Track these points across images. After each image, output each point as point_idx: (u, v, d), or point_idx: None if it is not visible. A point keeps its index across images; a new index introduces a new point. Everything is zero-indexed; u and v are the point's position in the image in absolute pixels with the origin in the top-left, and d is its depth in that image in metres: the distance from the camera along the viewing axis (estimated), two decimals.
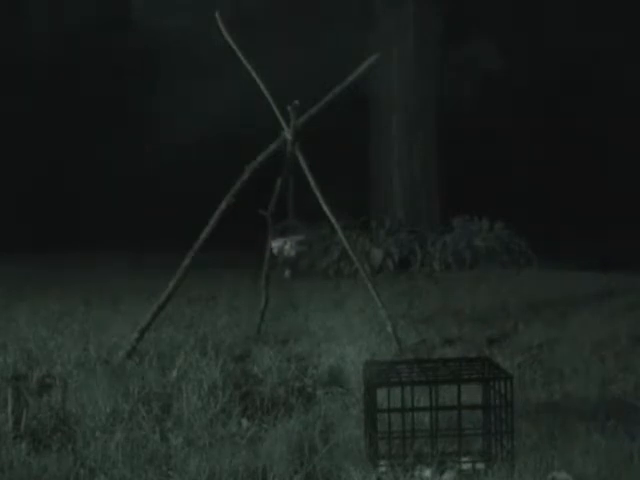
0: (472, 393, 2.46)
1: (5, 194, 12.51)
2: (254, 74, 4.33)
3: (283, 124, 4.30)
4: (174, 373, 3.30)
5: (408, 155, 10.08)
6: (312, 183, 4.29)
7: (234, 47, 4.34)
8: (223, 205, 4.14)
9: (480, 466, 2.32)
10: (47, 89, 12.64)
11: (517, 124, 12.71)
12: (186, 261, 4.05)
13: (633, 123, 10.73)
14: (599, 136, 11.31)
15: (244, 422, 2.73)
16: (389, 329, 4.07)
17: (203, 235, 4.11)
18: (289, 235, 4.79)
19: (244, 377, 3.30)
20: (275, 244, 4.53)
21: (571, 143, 11.63)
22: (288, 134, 4.28)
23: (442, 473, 2.27)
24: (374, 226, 9.22)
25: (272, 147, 4.30)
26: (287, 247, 4.90)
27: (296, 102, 4.27)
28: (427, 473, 2.27)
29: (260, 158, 4.24)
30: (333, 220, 4.29)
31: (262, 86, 4.35)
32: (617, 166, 11.04)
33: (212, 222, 4.12)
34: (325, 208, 4.29)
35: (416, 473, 2.26)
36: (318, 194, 4.28)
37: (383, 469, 2.30)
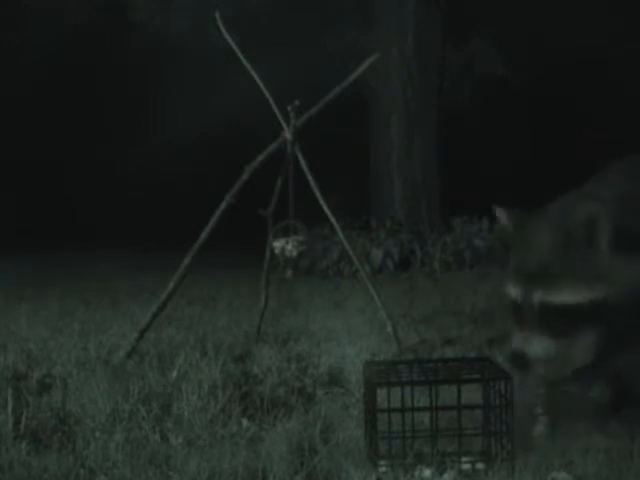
0: (472, 393, 2.46)
1: (5, 194, 12.52)
2: (254, 74, 4.33)
3: (283, 124, 4.30)
4: (174, 373, 3.30)
5: (408, 155, 10.08)
6: (312, 183, 4.29)
7: (234, 47, 4.34)
8: (223, 205, 4.14)
9: (480, 466, 2.32)
10: (47, 88, 12.64)
11: (518, 124, 12.71)
12: (186, 261, 4.05)
13: (635, 123, 10.74)
14: (600, 135, 11.31)
15: (244, 422, 2.73)
16: (389, 329, 4.07)
17: (203, 235, 4.11)
18: (290, 235, 4.77)
19: (244, 377, 3.30)
20: (277, 244, 4.52)
21: (572, 143, 11.64)
22: (288, 134, 4.28)
23: (442, 473, 2.27)
24: (374, 226, 9.22)
25: (272, 147, 4.30)
26: (289, 247, 4.87)
27: (296, 102, 4.27)
28: (427, 473, 2.27)
29: (260, 158, 4.24)
30: (333, 220, 4.29)
31: (262, 86, 4.35)
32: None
33: (212, 222, 4.12)
34: (325, 208, 4.29)
35: (416, 473, 2.26)
36: (318, 194, 4.28)
37: (383, 469, 2.30)
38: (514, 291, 2.26)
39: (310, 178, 4.29)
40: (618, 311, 2.14)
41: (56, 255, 10.42)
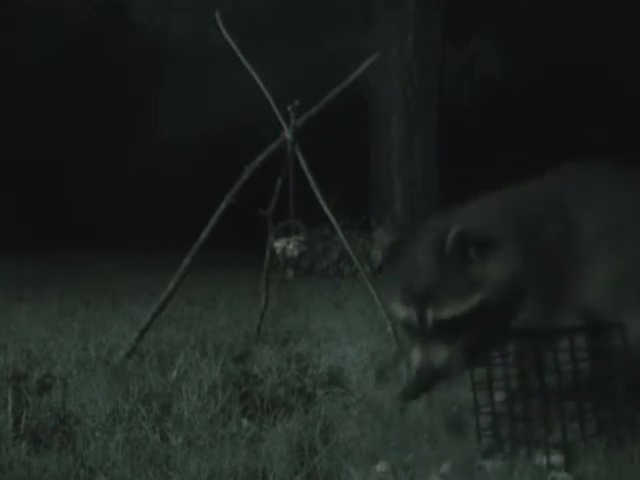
0: None
1: (5, 194, 12.52)
2: (254, 74, 4.33)
3: (283, 124, 4.30)
4: (174, 373, 3.29)
5: (408, 155, 10.09)
6: (312, 183, 4.28)
7: (234, 47, 4.34)
8: (223, 205, 4.14)
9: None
10: (47, 88, 12.63)
11: (518, 124, 12.71)
12: (186, 261, 4.05)
13: (635, 123, 10.74)
14: (600, 135, 11.31)
15: (244, 422, 2.73)
16: (389, 329, 4.06)
17: (203, 235, 4.11)
18: (291, 235, 4.78)
19: (244, 377, 3.30)
20: (278, 244, 4.52)
21: (572, 143, 11.63)
22: (288, 134, 4.28)
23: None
24: (374, 226, 9.23)
25: (272, 147, 4.29)
26: (290, 247, 4.87)
27: (296, 102, 4.27)
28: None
29: (260, 158, 4.23)
30: (333, 220, 4.29)
31: (262, 86, 4.35)
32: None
33: (212, 222, 4.12)
34: (325, 208, 4.28)
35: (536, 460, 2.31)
36: (318, 194, 4.28)
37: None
38: (404, 311, 2.43)
39: (310, 178, 4.29)
40: (493, 308, 2.40)
41: (56, 255, 10.42)
